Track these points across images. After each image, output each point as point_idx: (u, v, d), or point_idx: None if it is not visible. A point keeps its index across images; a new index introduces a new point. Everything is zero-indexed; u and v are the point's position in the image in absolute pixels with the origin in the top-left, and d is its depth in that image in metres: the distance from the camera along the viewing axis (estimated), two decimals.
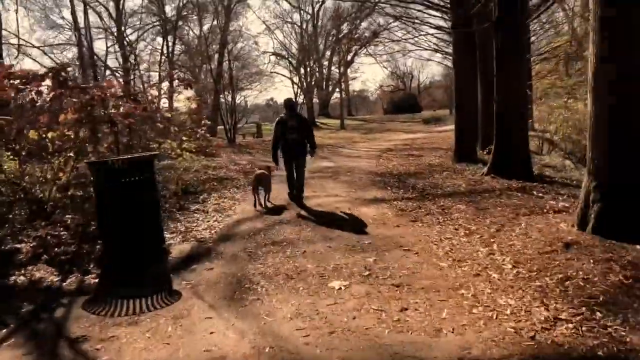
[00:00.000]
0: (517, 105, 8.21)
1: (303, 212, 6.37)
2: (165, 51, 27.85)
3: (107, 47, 26.35)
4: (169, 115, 8.39)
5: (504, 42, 8.20)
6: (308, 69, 33.50)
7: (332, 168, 11.13)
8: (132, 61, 25.83)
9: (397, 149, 15.67)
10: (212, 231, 5.68)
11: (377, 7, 39.22)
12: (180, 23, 26.21)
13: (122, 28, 25.00)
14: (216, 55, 24.71)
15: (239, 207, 6.99)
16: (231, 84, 21.46)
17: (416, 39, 17.17)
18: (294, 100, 8.25)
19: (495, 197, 6.61)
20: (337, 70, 39.25)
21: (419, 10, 15.14)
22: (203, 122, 10.51)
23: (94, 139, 6.00)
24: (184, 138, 8.34)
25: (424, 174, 9.43)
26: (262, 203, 6.80)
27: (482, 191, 7.12)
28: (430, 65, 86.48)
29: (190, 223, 6.09)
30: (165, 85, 16.80)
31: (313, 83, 35.43)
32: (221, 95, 22.72)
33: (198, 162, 9.66)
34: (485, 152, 10.37)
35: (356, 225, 5.57)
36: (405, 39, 21.94)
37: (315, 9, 39.73)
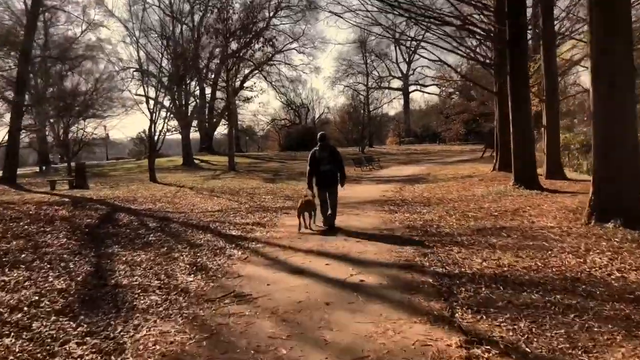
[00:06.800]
0: None
1: None
2: None
3: None
4: None
5: None
6: (183, 93, 25.27)
7: None
8: None
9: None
10: None
11: (270, 24, 33.27)
12: None
13: None
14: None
15: None
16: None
17: None
18: (325, 134, 8.14)
19: None
20: (224, 96, 31.87)
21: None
22: None
23: None
24: None
25: None
26: (308, 225, 7.38)
27: None
28: (325, 99, 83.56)
29: None
30: None
31: (190, 110, 27.17)
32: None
33: None
34: None
35: None
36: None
37: (196, 20, 32.17)
